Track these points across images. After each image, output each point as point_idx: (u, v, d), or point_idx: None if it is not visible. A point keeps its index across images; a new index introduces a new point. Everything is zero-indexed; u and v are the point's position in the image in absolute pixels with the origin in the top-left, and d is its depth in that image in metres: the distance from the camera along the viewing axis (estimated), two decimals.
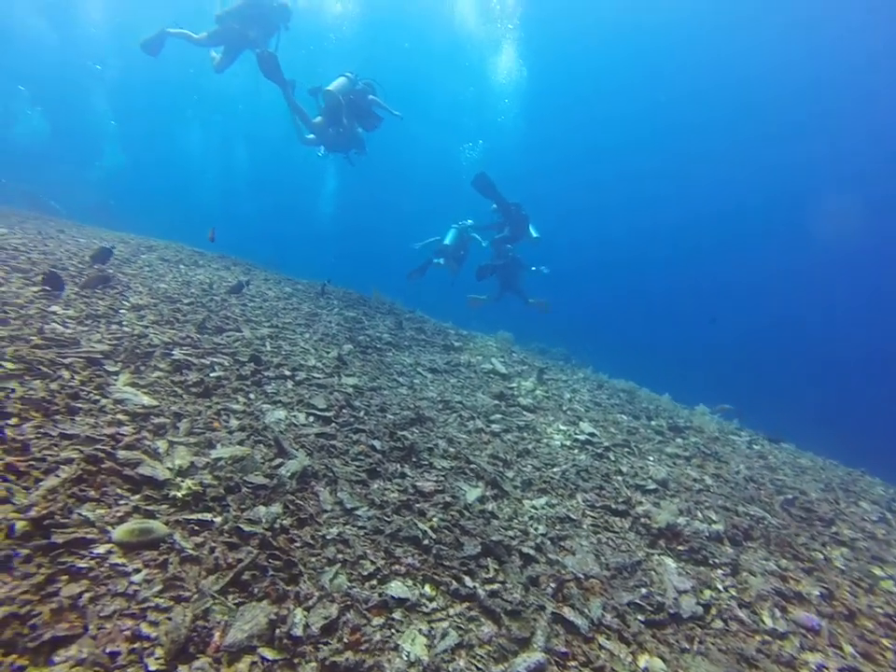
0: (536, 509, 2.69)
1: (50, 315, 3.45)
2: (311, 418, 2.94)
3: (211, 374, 3.13)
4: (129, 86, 33.18)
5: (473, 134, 26.69)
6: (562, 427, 4.22)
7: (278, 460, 2.40)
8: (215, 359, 3.37)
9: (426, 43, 34.26)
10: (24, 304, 3.50)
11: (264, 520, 1.97)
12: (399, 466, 2.73)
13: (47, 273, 4.01)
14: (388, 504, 2.33)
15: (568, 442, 3.88)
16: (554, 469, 3.27)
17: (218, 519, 1.93)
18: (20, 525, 1.63)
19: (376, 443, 2.84)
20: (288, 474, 2.29)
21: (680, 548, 2.74)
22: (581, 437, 4.04)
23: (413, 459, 2.85)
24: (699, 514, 3.09)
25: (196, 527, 1.87)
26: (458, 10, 27.71)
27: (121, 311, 3.93)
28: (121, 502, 1.89)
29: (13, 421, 2.18)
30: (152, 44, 9.26)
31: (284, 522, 2.01)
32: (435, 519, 2.32)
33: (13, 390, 2.38)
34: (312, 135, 9.51)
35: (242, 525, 1.90)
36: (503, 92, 27.96)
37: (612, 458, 3.72)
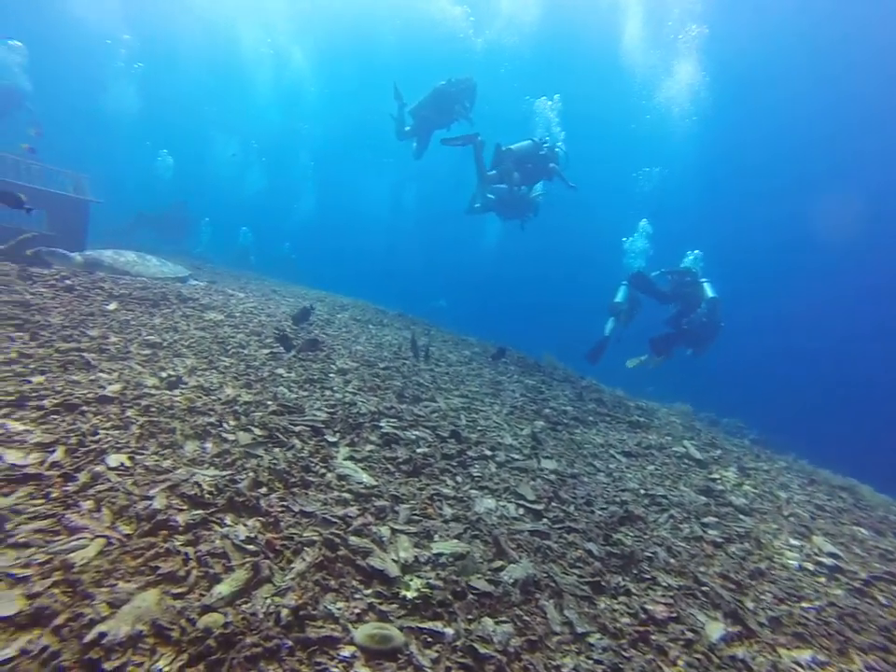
0: (802, 668, 2.16)
1: (279, 377, 3.83)
2: (521, 510, 2.78)
3: (417, 450, 3.16)
4: (324, 137, 38.53)
5: (649, 163, 25.43)
6: (792, 542, 3.51)
7: (498, 562, 2.26)
8: (418, 433, 3.43)
9: (595, 72, 34.14)
10: (259, 367, 3.95)
11: (496, 640, 1.81)
12: (621, 578, 2.41)
13: (279, 335, 4.54)
14: (623, 633, 2.03)
15: (810, 566, 3.19)
16: (804, 606, 2.66)
17: (449, 630, 1.81)
18: (284, 612, 1.67)
19: (592, 547, 2.57)
20: (511, 581, 2.13)
21: None
22: (824, 560, 3.30)
23: (634, 571, 2.52)
24: None
25: (429, 639, 1.77)
26: (627, 33, 27.43)
27: (331, 374, 4.25)
28: (357, 596, 1.87)
29: (263, 490, 2.36)
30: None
31: (514, 643, 1.83)
32: (680, 663, 1.96)
33: (262, 458, 2.60)
34: (478, 205, 9.95)
35: (475, 645, 1.75)
36: (681, 115, 26.57)
37: (882, 600, 2.94)
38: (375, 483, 2.63)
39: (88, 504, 2.00)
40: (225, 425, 2.84)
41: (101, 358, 3.42)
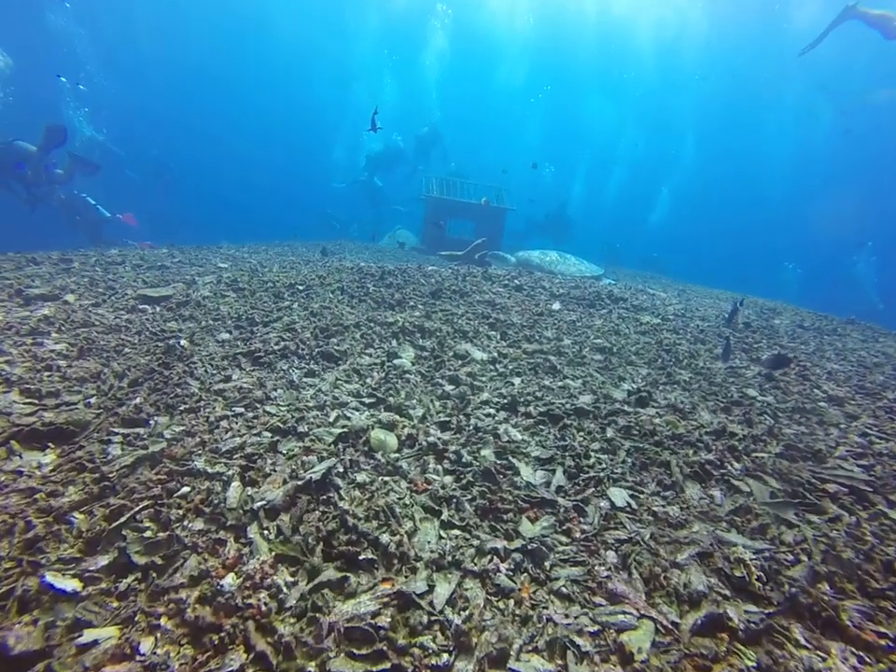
0: None
1: (754, 400, 3.01)
2: None
3: None
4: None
5: None
6: None
7: None
8: None
9: None
10: (722, 383, 3.22)
11: None
12: None
13: (724, 344, 3.73)
14: None
15: None
16: None
17: None
18: None
19: None
20: None
21: None
22: None
23: None
24: None
25: None
26: None
27: (820, 403, 3.16)
28: None
29: (827, 589, 1.60)
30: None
31: None
32: None
33: (802, 529, 1.84)
34: None
35: None
36: None
37: None
38: None
39: (611, 556, 1.67)
40: (729, 466, 2.22)
41: (562, 362, 3.32)
